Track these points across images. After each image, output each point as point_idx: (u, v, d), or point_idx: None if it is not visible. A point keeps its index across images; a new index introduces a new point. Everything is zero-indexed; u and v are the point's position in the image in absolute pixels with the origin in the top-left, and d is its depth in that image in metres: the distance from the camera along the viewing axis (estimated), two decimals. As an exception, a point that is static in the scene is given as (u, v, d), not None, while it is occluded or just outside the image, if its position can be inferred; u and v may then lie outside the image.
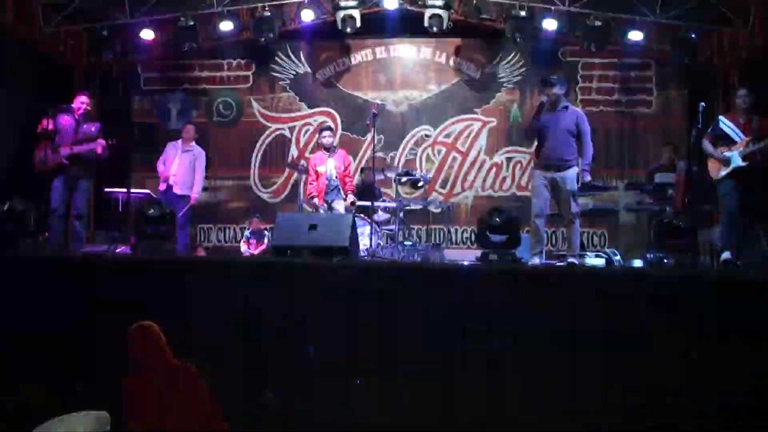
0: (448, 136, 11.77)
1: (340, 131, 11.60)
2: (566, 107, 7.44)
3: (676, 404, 4.64)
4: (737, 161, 6.86)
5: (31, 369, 4.86)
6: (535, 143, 7.60)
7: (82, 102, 7.98)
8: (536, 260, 6.95)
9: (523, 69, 11.74)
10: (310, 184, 8.83)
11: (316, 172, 8.77)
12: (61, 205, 7.67)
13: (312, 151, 11.56)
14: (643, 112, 11.56)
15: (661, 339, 4.74)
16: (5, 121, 9.95)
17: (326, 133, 9.00)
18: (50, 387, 4.66)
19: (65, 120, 7.83)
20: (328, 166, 8.76)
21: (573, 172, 7.23)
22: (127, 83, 12.34)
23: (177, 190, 9.13)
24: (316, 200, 8.74)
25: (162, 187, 9.21)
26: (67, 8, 10.57)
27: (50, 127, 7.68)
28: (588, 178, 7.35)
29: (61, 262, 5.84)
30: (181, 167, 9.23)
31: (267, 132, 12.17)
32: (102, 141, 7.77)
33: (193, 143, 9.66)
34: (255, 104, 12.21)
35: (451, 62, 11.93)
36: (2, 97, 9.93)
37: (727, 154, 6.96)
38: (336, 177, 8.73)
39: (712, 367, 4.68)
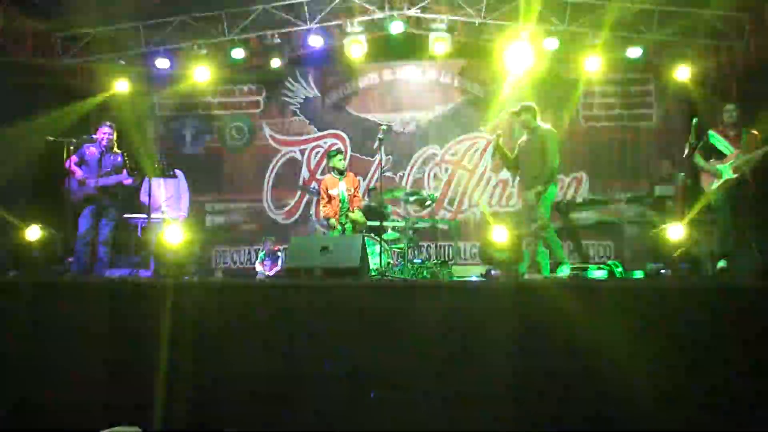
0: (454, 154, 12.05)
1: (349, 152, 11.91)
2: (535, 128, 7.81)
3: (661, 408, 4.86)
4: (728, 173, 7.13)
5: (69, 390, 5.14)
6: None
7: (104, 133, 8.27)
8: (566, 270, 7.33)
9: (526, 87, 11.98)
10: (324, 206, 9.08)
11: (329, 195, 9.00)
12: (89, 232, 7.97)
13: (322, 173, 11.92)
14: (644, 126, 11.80)
15: (653, 348, 4.94)
16: (26, 150, 10.29)
17: (340, 156, 9.25)
18: (82, 406, 4.93)
19: (90, 152, 8.15)
20: (340, 188, 9.00)
21: (535, 189, 7.57)
22: (143, 111, 12.62)
23: (169, 213, 9.41)
24: (333, 221, 8.96)
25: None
26: (84, 40, 10.97)
27: (74, 162, 8.00)
28: (540, 188, 7.57)
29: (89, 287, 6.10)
30: (168, 193, 9.51)
31: (278, 155, 12.49)
32: (126, 173, 8.07)
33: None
34: (266, 128, 12.54)
35: (456, 82, 12.24)
36: (23, 127, 10.28)
37: (718, 166, 7.23)
38: (347, 199, 8.98)
39: (705, 372, 4.89)
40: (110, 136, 8.28)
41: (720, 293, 5.18)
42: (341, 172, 9.09)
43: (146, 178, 8.43)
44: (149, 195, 8.96)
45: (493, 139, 8.15)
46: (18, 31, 10.20)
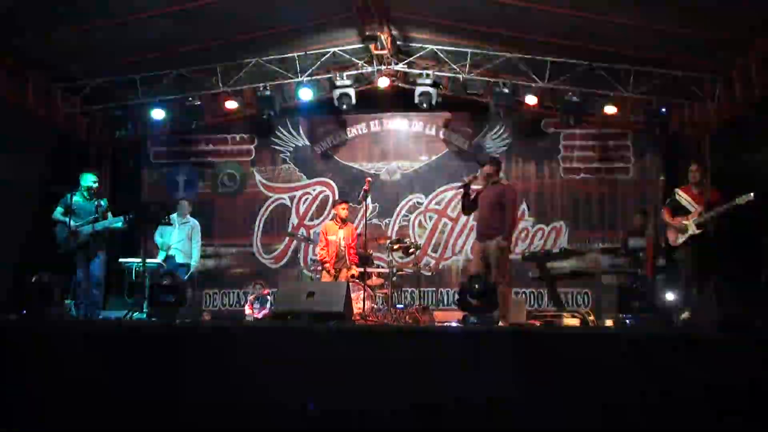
0: (439, 203, 12.42)
1: (337, 199, 12.20)
2: (495, 182, 8.22)
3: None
4: (692, 229, 7.54)
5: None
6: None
7: (91, 182, 8.63)
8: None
9: (509, 140, 12.49)
10: (321, 250, 9.38)
11: (327, 240, 9.32)
12: (84, 278, 8.33)
13: (311, 219, 12.32)
14: (622, 179, 12.23)
15: (616, 394, 5.26)
16: (25, 197, 10.61)
17: (344, 205, 9.57)
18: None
19: (75, 201, 8.48)
20: (339, 236, 9.32)
21: (497, 241, 7.87)
22: (138, 157, 13.07)
23: (178, 259, 9.78)
24: (328, 266, 9.25)
25: (162, 256, 9.89)
26: (83, 90, 11.38)
27: (60, 213, 8.37)
28: (503, 243, 7.89)
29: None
30: (181, 238, 9.88)
31: (268, 201, 12.84)
32: (112, 217, 8.43)
33: (188, 216, 10.35)
34: (257, 175, 12.90)
35: (441, 134, 12.67)
36: (23, 175, 10.60)
37: (683, 222, 7.64)
38: (344, 247, 9.29)
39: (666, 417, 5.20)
40: (93, 184, 8.61)
41: (682, 342, 5.56)
42: (343, 221, 9.42)
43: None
44: (161, 236, 9.32)
45: (467, 179, 8.48)
46: (18, 80, 10.53)
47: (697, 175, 7.90)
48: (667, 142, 11.77)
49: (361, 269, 9.02)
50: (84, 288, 8.31)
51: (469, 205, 8.39)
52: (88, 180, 8.64)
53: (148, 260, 8.65)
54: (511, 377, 5.39)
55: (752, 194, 7.22)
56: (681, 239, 7.66)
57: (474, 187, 8.42)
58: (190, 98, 11.54)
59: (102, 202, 8.57)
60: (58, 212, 8.42)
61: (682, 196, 7.82)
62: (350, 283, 7.64)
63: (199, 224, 10.61)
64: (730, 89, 10.32)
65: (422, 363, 5.53)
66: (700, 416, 5.03)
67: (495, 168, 8.37)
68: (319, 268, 9.61)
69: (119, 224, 8.46)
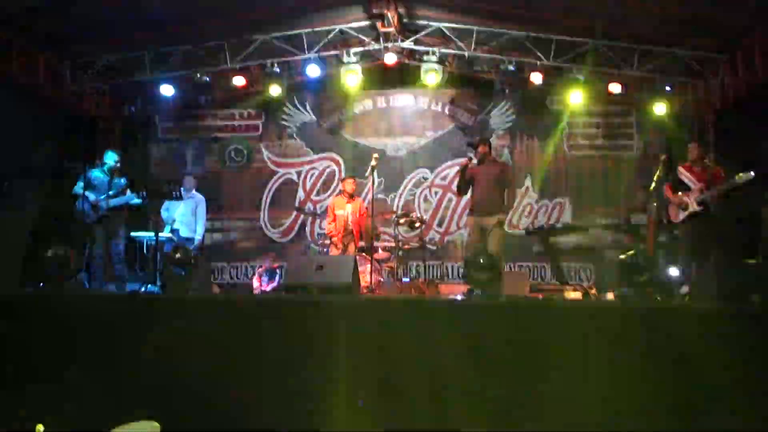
0: (444, 178, 12.57)
1: (343, 175, 12.35)
2: (492, 161, 8.48)
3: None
4: (693, 206, 7.70)
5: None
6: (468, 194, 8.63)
7: (114, 160, 8.82)
8: None
9: (514, 116, 12.61)
10: (329, 224, 9.56)
11: (335, 214, 9.49)
12: (103, 250, 8.55)
13: (317, 194, 12.50)
14: (625, 156, 12.39)
15: (616, 366, 5.44)
16: (36, 173, 10.80)
17: (350, 180, 9.73)
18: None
19: (96, 176, 8.71)
20: (347, 211, 9.48)
21: (497, 218, 8.20)
22: (146, 133, 13.25)
23: (182, 233, 9.96)
24: (335, 239, 9.43)
25: (167, 231, 10.06)
26: (92, 68, 11.52)
27: (81, 187, 8.58)
28: (502, 217, 8.28)
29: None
30: (185, 213, 10.05)
31: (276, 176, 13.01)
32: (131, 194, 8.64)
33: (194, 191, 10.50)
34: (264, 151, 13.07)
35: (447, 110, 12.80)
36: (33, 151, 10.78)
37: (684, 199, 7.79)
38: (351, 222, 9.46)
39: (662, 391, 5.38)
40: (117, 163, 8.81)
41: (683, 315, 5.75)
42: (351, 196, 9.59)
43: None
44: (167, 210, 9.51)
45: (466, 159, 8.69)
46: (30, 59, 10.68)
47: (695, 153, 8.03)
48: (670, 120, 11.85)
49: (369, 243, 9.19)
50: (102, 263, 8.53)
51: (464, 186, 8.58)
52: (111, 158, 8.83)
53: (160, 234, 8.81)
54: (512, 348, 5.60)
55: (752, 173, 7.35)
56: (682, 215, 7.82)
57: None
58: (199, 75, 11.66)
59: (122, 180, 8.75)
60: (78, 186, 8.63)
61: (684, 173, 7.96)
62: (357, 257, 7.80)
63: (207, 199, 10.75)
64: (734, 69, 10.46)
65: (426, 333, 5.74)
66: (694, 385, 5.27)
67: (489, 147, 8.56)
68: (327, 242, 9.77)
69: (137, 201, 8.68)
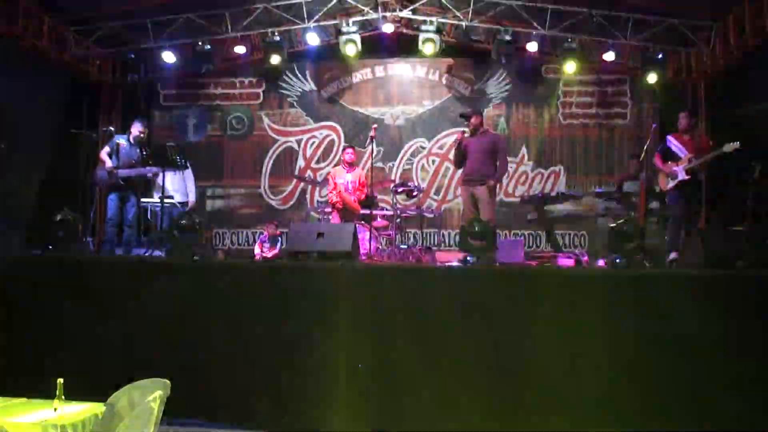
0: (441, 147, 12.77)
1: (343, 143, 12.60)
2: (484, 132, 8.68)
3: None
4: (682, 175, 7.92)
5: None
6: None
7: (138, 130, 9.02)
8: None
9: (510, 86, 12.79)
10: (330, 193, 9.76)
11: (335, 183, 9.69)
12: (115, 215, 8.80)
13: (317, 162, 12.73)
14: (620, 124, 12.60)
15: (606, 329, 5.68)
16: (41, 136, 11.00)
17: (349, 150, 9.86)
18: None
19: (121, 144, 8.89)
20: (347, 179, 9.67)
21: (488, 187, 8.45)
22: (148, 100, 13.43)
23: (177, 198, 10.14)
24: (339, 205, 9.62)
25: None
26: (95, 33, 11.67)
27: (106, 152, 8.82)
28: (492, 183, 8.53)
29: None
30: (176, 179, 10.19)
31: (276, 144, 13.24)
32: (149, 166, 8.86)
33: None
34: (265, 119, 13.27)
35: (444, 80, 12.97)
36: (38, 115, 10.97)
37: (674, 168, 8.02)
38: (352, 190, 9.64)
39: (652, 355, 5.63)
40: (142, 134, 9.02)
41: (670, 280, 6.00)
42: (350, 165, 9.78)
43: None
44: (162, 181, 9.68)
45: (459, 134, 8.92)
46: (35, 22, 10.85)
47: (684, 122, 8.23)
48: (664, 89, 12.03)
49: (367, 211, 9.38)
50: (113, 225, 8.79)
51: (461, 159, 8.82)
52: (137, 127, 9.02)
53: (165, 200, 9.02)
54: (506, 312, 5.84)
55: (738, 142, 7.55)
56: (671, 184, 8.02)
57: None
58: (200, 43, 11.82)
59: (144, 151, 8.95)
60: (104, 152, 8.86)
61: (673, 142, 8.16)
62: (356, 225, 8.00)
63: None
64: (726, 37, 10.63)
65: (423, 299, 5.98)
66: (681, 346, 5.51)
67: (481, 119, 8.81)
68: (327, 209, 9.98)
69: (151, 174, 8.93)
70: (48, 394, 3.71)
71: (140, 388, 3.87)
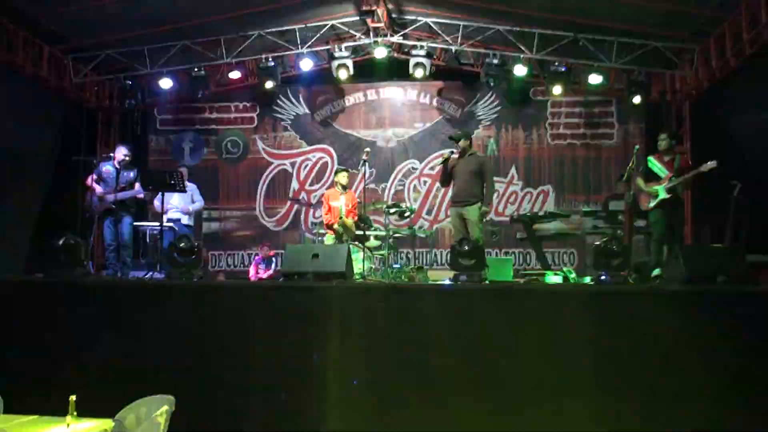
0: (432, 168, 12.93)
1: (336, 165, 12.78)
2: (472, 154, 8.90)
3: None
4: (662, 194, 8.16)
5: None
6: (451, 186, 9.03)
7: (123, 154, 9.19)
8: None
9: (499, 108, 13.10)
10: (326, 215, 9.95)
11: (330, 206, 9.89)
12: (113, 240, 8.99)
13: (311, 184, 12.96)
14: (606, 144, 12.89)
15: (592, 342, 5.89)
16: (41, 162, 11.21)
17: (343, 174, 10.08)
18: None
19: (107, 170, 9.06)
20: (341, 202, 9.87)
21: (476, 207, 8.59)
22: (145, 125, 13.65)
23: (184, 221, 10.28)
24: (335, 226, 9.77)
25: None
26: (93, 61, 11.93)
27: (93, 179, 8.98)
28: (486, 209, 8.68)
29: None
30: (181, 200, 10.35)
31: (270, 167, 13.50)
32: (139, 188, 9.04)
33: (187, 182, 10.83)
34: (260, 142, 13.55)
35: (435, 102, 13.28)
36: (38, 141, 11.20)
37: (655, 187, 8.25)
38: (345, 213, 9.83)
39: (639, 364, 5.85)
40: (126, 156, 9.19)
41: (653, 296, 6.24)
42: (344, 188, 9.98)
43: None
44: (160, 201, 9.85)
45: (446, 154, 9.14)
46: (35, 51, 11.10)
47: (664, 144, 8.45)
48: (648, 109, 12.32)
49: (361, 232, 9.59)
50: (113, 251, 8.97)
51: (447, 179, 9.03)
52: (121, 152, 9.18)
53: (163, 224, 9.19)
54: (495, 327, 6.06)
55: (715, 162, 7.80)
56: (652, 203, 8.25)
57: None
58: (196, 69, 12.10)
59: (131, 173, 9.13)
60: (90, 179, 9.02)
61: (655, 163, 8.39)
62: (350, 246, 8.19)
63: (205, 188, 11.05)
64: (707, 59, 10.93)
65: (415, 316, 6.19)
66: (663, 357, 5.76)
67: (470, 141, 9.02)
68: (322, 231, 10.18)
69: (143, 194, 9.12)
70: (56, 412, 3.83)
71: (147, 404, 4.05)
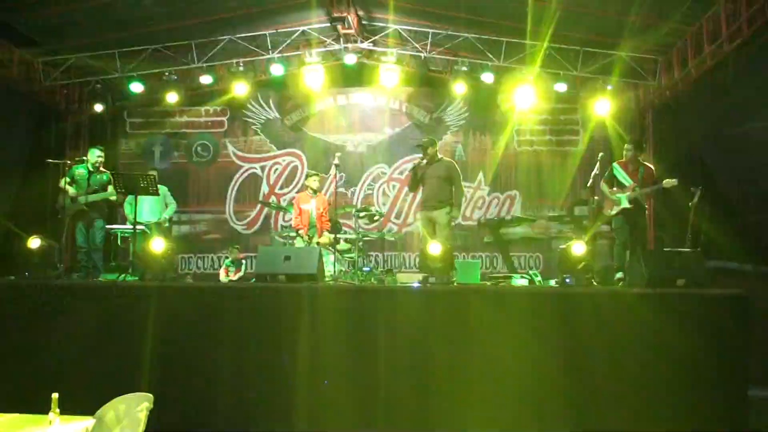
0: (401, 173, 13.15)
1: (306, 169, 12.89)
2: (440, 160, 9.10)
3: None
4: (625, 203, 8.41)
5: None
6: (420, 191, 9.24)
7: (97, 156, 9.22)
8: None
9: (467, 114, 13.31)
10: (296, 218, 10.05)
11: (300, 209, 9.99)
12: (84, 242, 9.02)
13: (281, 188, 13.06)
14: (571, 151, 13.12)
15: (556, 341, 6.09)
16: (10, 164, 11.18)
17: (314, 178, 10.16)
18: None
19: (79, 172, 9.10)
20: (311, 206, 9.97)
21: (445, 211, 8.79)
22: (115, 128, 13.68)
23: (149, 218, 10.36)
24: (302, 232, 9.94)
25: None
26: (64, 65, 11.94)
27: (66, 182, 9.02)
28: (456, 214, 8.93)
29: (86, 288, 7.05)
30: (151, 203, 10.40)
31: (240, 171, 13.58)
32: (112, 190, 9.09)
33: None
34: (230, 146, 13.63)
35: (404, 108, 13.45)
36: (7, 144, 11.18)
37: (618, 195, 8.49)
38: (315, 216, 9.94)
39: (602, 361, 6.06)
40: (100, 157, 9.24)
41: (615, 297, 6.46)
42: (315, 191, 10.09)
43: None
44: (130, 204, 9.89)
45: (417, 161, 9.31)
46: (5, 55, 11.11)
47: (629, 153, 8.68)
48: (612, 118, 12.55)
49: (333, 235, 9.73)
50: (85, 253, 9.01)
51: (415, 184, 9.21)
52: (94, 155, 9.23)
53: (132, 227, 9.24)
54: (462, 328, 6.23)
55: (676, 180, 8.11)
56: (615, 210, 8.49)
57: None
58: (167, 73, 12.15)
59: (104, 176, 9.17)
60: (63, 182, 9.04)
61: (620, 170, 8.61)
62: (321, 248, 8.31)
63: (176, 192, 11.10)
64: (670, 70, 11.21)
65: (384, 317, 6.33)
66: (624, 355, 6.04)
67: (436, 148, 9.19)
68: (292, 234, 10.28)
69: (114, 197, 9.16)
70: (35, 410, 3.90)
71: (125, 401, 4.12)
